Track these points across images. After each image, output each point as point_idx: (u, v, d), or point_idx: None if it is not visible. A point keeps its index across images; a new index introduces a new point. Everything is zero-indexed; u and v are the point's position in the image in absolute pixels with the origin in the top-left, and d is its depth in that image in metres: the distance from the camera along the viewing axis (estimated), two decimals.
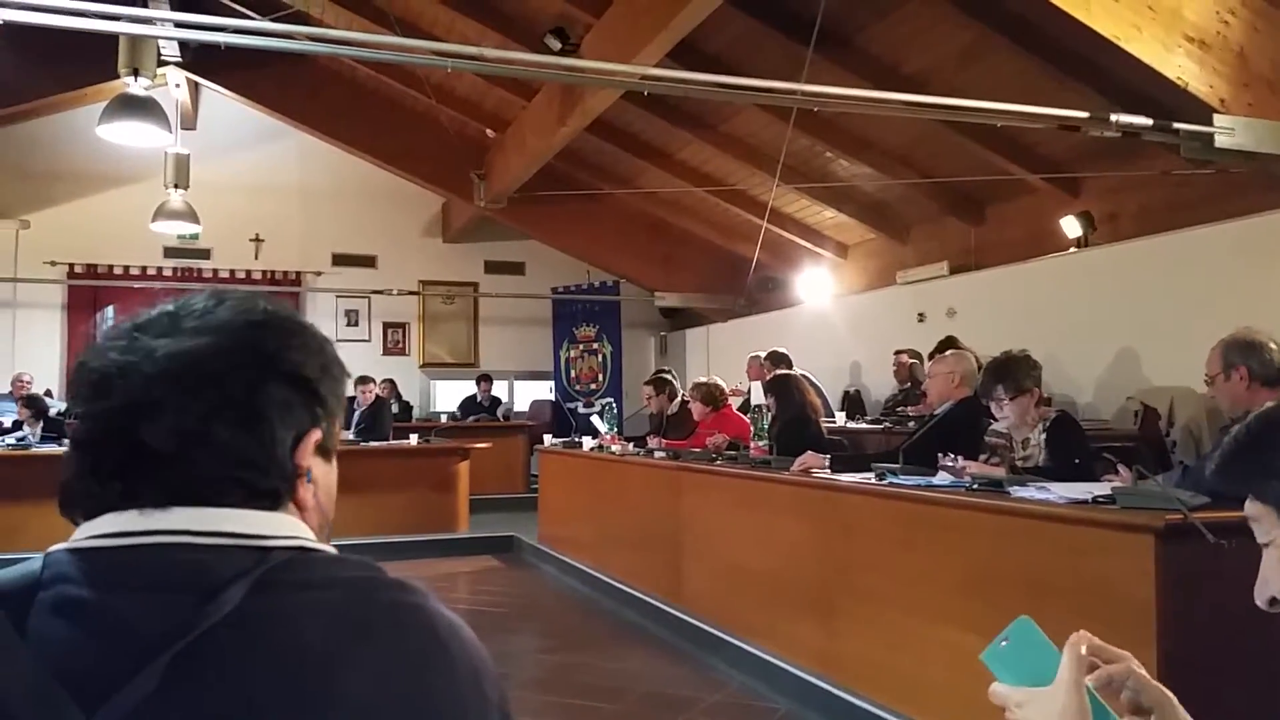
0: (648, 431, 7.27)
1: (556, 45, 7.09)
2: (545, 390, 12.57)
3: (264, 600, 0.69)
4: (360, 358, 11.48)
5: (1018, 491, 3.16)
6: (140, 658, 0.66)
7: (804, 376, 6.18)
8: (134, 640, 0.67)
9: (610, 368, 12.21)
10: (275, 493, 0.77)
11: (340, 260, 11.94)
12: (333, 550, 0.78)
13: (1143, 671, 0.95)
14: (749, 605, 4.63)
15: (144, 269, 11.10)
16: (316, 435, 0.80)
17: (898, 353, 7.87)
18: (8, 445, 7.45)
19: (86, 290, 10.91)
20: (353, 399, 9.20)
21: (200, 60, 9.15)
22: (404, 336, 12.38)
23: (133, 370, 0.73)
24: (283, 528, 0.76)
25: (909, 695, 3.48)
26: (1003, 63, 6.47)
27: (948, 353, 4.96)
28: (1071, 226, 7.27)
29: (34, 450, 7.17)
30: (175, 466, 0.73)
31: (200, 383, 0.74)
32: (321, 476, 0.83)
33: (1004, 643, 0.93)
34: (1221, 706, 1.50)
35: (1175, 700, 0.94)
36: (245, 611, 0.68)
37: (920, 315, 8.47)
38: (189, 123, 10.71)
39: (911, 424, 6.10)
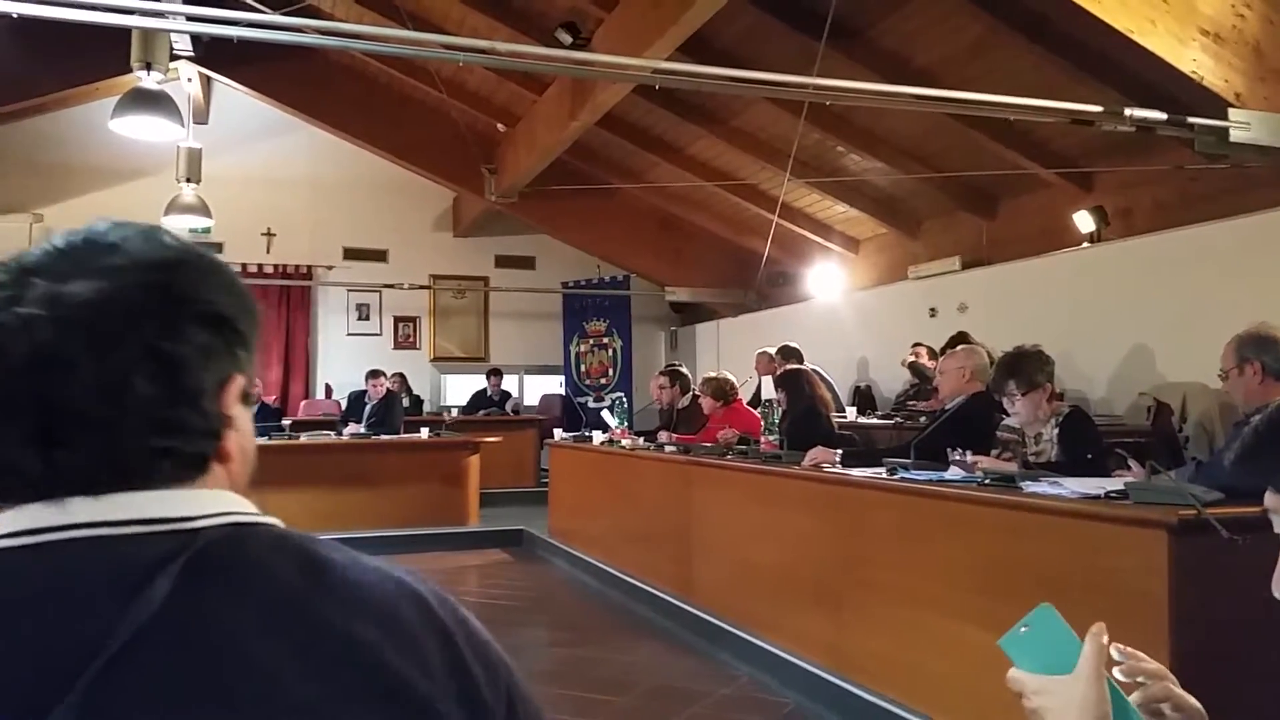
0: (658, 426, 7.28)
1: (568, 39, 7.09)
2: (555, 385, 12.59)
3: (193, 593, 0.61)
4: (371, 351, 11.54)
5: (1030, 487, 3.15)
6: (57, 681, 0.57)
7: (815, 371, 6.18)
8: (47, 661, 0.58)
9: (620, 362, 12.21)
10: (203, 457, 0.70)
11: (351, 254, 11.97)
12: (270, 522, 0.70)
13: (1180, 691, 0.95)
14: (759, 599, 4.64)
15: None
16: (240, 380, 0.73)
17: (915, 346, 7.82)
18: None
19: None
20: (363, 393, 9.24)
21: (212, 54, 9.17)
22: (415, 330, 12.40)
23: (37, 322, 0.64)
24: (210, 504, 0.68)
25: (919, 690, 3.48)
26: (1015, 57, 6.44)
27: (959, 348, 4.95)
28: (1084, 221, 7.23)
29: None
30: (94, 431, 0.64)
31: (114, 331, 0.65)
32: (243, 423, 0.75)
33: (1024, 629, 0.93)
34: (1236, 702, 1.49)
35: (1206, 715, 0.94)
36: (172, 611, 0.60)
37: (932, 310, 8.45)
38: (201, 117, 10.74)
39: (923, 419, 6.09)
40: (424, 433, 8.64)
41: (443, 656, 0.66)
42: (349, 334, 12.01)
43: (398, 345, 12.28)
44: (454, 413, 11.26)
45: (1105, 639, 0.90)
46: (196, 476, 0.69)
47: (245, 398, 0.75)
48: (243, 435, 0.74)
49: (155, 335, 0.66)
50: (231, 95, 10.73)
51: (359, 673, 0.62)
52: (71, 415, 0.64)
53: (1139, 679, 0.95)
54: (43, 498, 0.65)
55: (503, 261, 12.59)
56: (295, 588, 0.64)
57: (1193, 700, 0.96)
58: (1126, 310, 6.48)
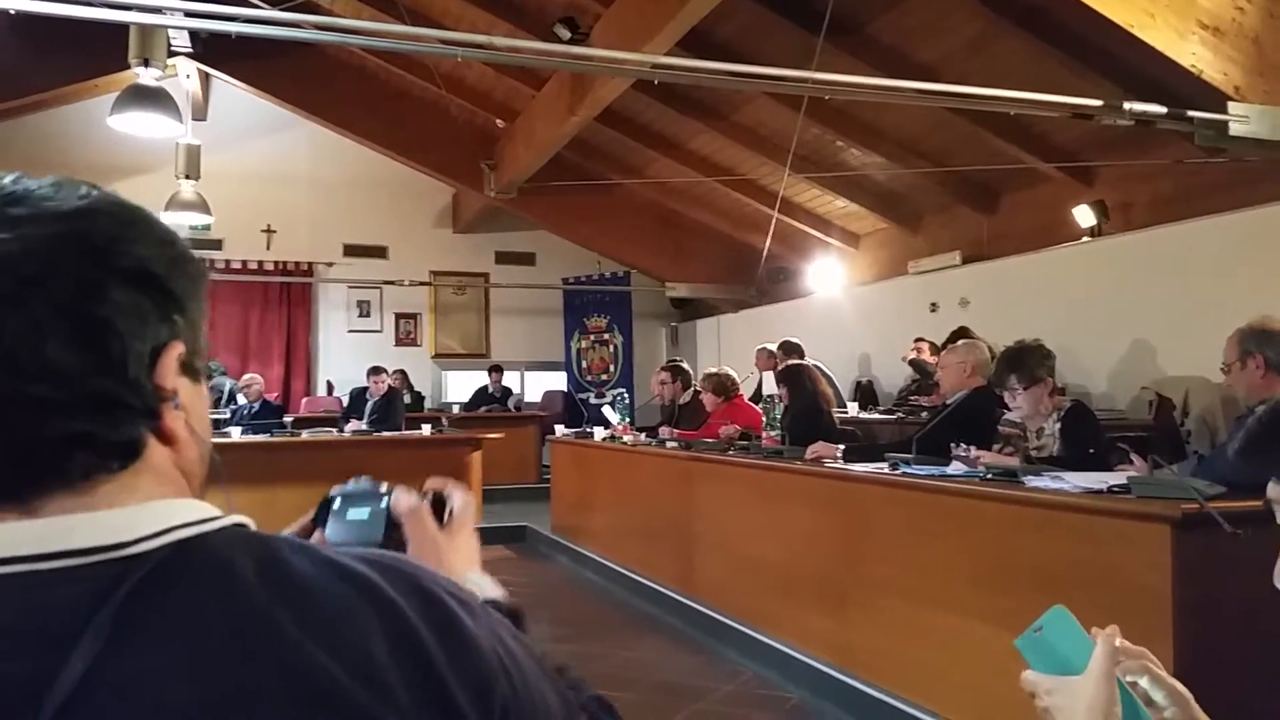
0: (659, 422, 7.28)
1: (566, 34, 7.09)
2: (557, 381, 12.60)
3: (129, 642, 0.53)
4: (372, 348, 11.56)
5: (1032, 481, 3.15)
6: None
7: (816, 367, 6.17)
8: None
9: (621, 358, 12.21)
10: (132, 443, 0.60)
11: (351, 251, 11.97)
12: (225, 526, 0.61)
13: (1160, 670, 0.95)
14: (761, 595, 4.64)
15: None
16: (178, 348, 0.63)
17: (917, 341, 7.80)
18: None
19: None
20: (365, 389, 9.24)
21: (211, 50, 9.16)
22: (415, 327, 12.40)
23: None
24: (149, 520, 0.58)
25: (921, 685, 3.48)
26: (1015, 51, 6.43)
27: (959, 343, 4.94)
28: (1085, 216, 7.23)
29: None
30: None
31: (16, 290, 0.55)
32: (191, 401, 0.65)
33: (1038, 631, 0.93)
34: (1238, 696, 1.49)
35: (1191, 698, 0.95)
36: (105, 666, 0.51)
37: (933, 305, 8.44)
38: (200, 113, 10.73)
39: (924, 414, 6.09)
40: (425, 429, 8.63)
41: (403, 669, 0.57)
42: (350, 331, 12.01)
43: (399, 342, 12.28)
44: (455, 409, 11.25)
45: (1117, 640, 0.90)
46: (125, 466, 0.59)
47: (191, 370, 0.65)
48: (191, 414, 0.64)
49: (68, 294, 0.57)
50: (230, 91, 10.71)
51: (307, 702, 0.54)
52: None
53: (1118, 660, 0.96)
54: None
55: (503, 258, 12.60)
56: (243, 612, 0.55)
57: (1173, 682, 0.96)
58: (1127, 304, 6.47)
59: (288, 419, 9.34)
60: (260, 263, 11.58)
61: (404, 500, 0.90)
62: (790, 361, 6.30)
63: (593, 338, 12.39)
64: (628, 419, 7.14)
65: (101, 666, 0.51)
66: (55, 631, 0.52)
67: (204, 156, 8.42)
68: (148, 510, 0.58)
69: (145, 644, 0.53)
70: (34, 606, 0.53)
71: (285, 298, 11.73)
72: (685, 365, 7.49)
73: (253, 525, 0.63)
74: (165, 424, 0.62)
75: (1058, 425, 3.87)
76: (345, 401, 10.05)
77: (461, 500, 0.95)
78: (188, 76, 9.80)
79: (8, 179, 0.62)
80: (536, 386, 12.72)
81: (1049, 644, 0.92)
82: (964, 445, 3.72)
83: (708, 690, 4.07)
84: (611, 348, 12.31)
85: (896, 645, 3.65)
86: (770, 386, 5.64)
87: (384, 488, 0.92)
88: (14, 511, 0.56)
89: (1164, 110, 4.95)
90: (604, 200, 11.03)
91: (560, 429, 8.38)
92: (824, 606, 4.13)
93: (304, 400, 11.18)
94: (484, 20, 7.79)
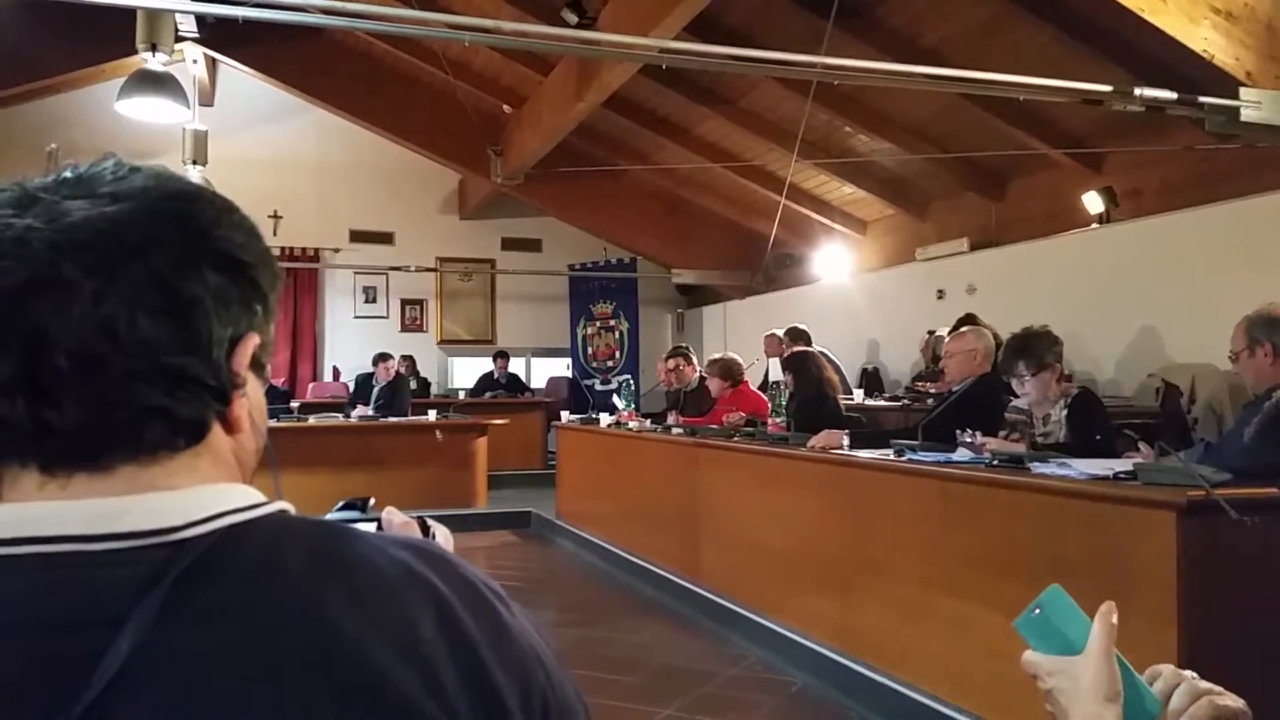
0: (665, 408, 7.28)
1: (573, 19, 7.05)
2: (562, 367, 12.61)
3: (172, 629, 0.53)
4: (378, 334, 11.58)
5: (1038, 468, 3.15)
6: None
7: (822, 353, 6.16)
8: (21, 709, 0.51)
9: (627, 345, 12.22)
10: (202, 423, 0.61)
11: (358, 237, 11.98)
12: (274, 511, 0.62)
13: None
14: (766, 580, 4.65)
15: None
16: (255, 339, 0.64)
17: (930, 334, 7.73)
18: None
19: None
20: (371, 375, 9.26)
21: (217, 36, 9.14)
22: (422, 313, 12.41)
23: (33, 238, 0.56)
24: (200, 505, 0.58)
25: (926, 670, 3.49)
26: (1025, 36, 6.39)
27: (965, 329, 4.92)
28: (1093, 202, 7.19)
29: None
30: (86, 376, 0.55)
31: (121, 257, 0.56)
32: (255, 393, 0.66)
33: (1036, 611, 0.93)
34: (1243, 682, 1.49)
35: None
36: (148, 654, 0.52)
37: (940, 292, 8.42)
38: (207, 99, 10.72)
39: (930, 401, 6.08)
40: (432, 415, 8.66)
41: (460, 670, 0.58)
42: (356, 316, 12.03)
43: (405, 328, 12.29)
44: (461, 395, 11.29)
45: (1114, 617, 0.90)
46: (190, 445, 0.60)
47: (258, 365, 0.66)
48: (254, 405, 0.66)
49: (167, 268, 0.58)
50: (237, 77, 10.70)
51: (358, 700, 0.54)
52: (63, 352, 0.55)
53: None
54: (37, 459, 0.57)
55: (509, 244, 12.59)
56: (288, 597, 0.56)
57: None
58: (1135, 291, 6.45)
59: (294, 404, 9.37)
60: None
61: (396, 518, 0.97)
62: (796, 348, 6.29)
63: (599, 324, 12.39)
64: (633, 405, 7.14)
65: (147, 649, 0.52)
66: (103, 613, 0.53)
67: (211, 142, 8.40)
68: (200, 495, 0.59)
69: (190, 628, 0.54)
70: (83, 587, 0.54)
71: (292, 283, 11.73)
72: (691, 351, 7.49)
73: (293, 510, 0.64)
74: (233, 411, 0.63)
75: (1065, 412, 3.86)
76: (351, 387, 10.07)
77: (444, 534, 0.99)
78: (195, 62, 9.79)
79: (109, 163, 0.64)
80: (542, 373, 12.74)
81: (1047, 624, 0.92)
82: (970, 432, 3.72)
83: (712, 674, 4.08)
84: (617, 334, 12.31)
85: (901, 630, 3.66)
86: (778, 373, 5.63)
87: (372, 502, 1.03)
88: (86, 474, 0.57)
89: (1174, 96, 4.91)
90: (610, 186, 11.01)
91: (566, 415, 8.40)
92: (828, 591, 4.13)
93: (310, 386, 11.21)
94: (491, 5, 7.76)
